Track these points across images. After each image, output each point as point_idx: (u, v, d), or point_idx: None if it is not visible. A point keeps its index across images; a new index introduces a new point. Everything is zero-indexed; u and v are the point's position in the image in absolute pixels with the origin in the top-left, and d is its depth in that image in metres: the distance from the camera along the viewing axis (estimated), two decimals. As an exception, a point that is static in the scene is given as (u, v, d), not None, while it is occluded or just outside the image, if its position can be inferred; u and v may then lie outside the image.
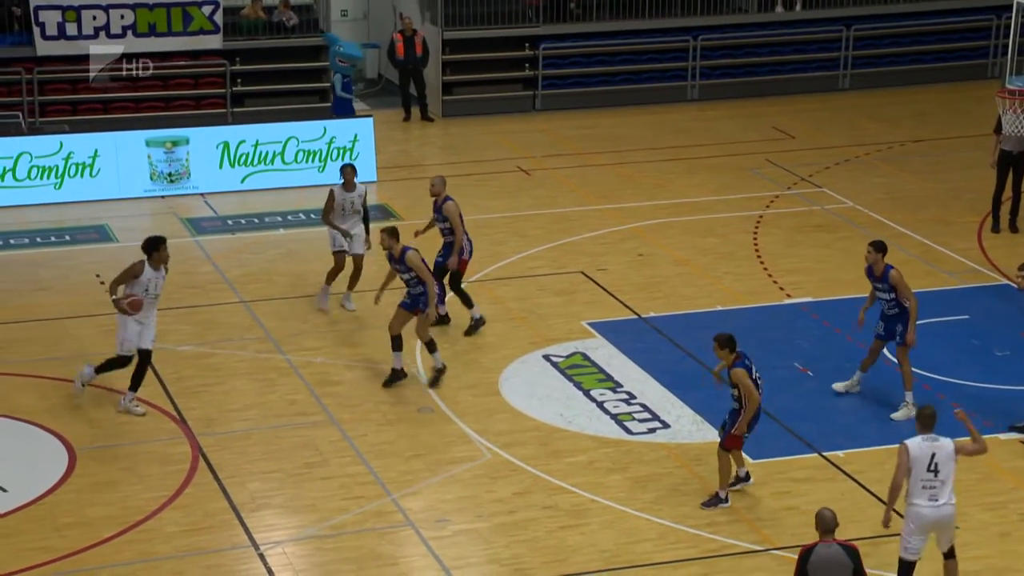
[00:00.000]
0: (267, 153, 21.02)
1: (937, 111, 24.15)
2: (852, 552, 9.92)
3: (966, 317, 16.37)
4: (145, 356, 14.21)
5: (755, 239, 18.91)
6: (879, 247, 14.29)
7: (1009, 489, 13.04)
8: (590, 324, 16.40)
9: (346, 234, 16.46)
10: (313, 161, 21.17)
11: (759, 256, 18.32)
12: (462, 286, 16.23)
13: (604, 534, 12.45)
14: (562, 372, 15.31)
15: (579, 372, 15.31)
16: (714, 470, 13.32)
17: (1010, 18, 18.32)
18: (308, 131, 21.20)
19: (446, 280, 16.11)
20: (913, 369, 14.55)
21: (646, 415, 14.41)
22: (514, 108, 24.30)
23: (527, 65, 24.65)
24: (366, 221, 16.74)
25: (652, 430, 14.14)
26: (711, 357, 15.55)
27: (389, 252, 14.87)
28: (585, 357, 15.64)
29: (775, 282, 17.52)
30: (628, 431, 14.13)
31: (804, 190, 20.67)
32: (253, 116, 22.47)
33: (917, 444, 11.01)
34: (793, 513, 12.63)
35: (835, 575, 9.87)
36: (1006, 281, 17.45)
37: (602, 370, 15.34)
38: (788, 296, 17.13)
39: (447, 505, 12.92)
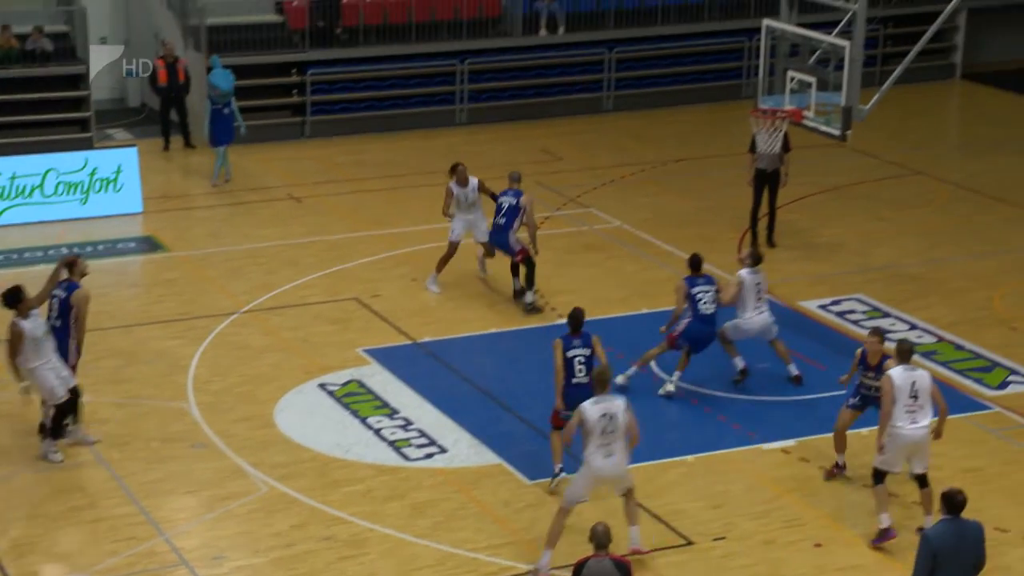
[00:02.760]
0: (25, 186, 20.31)
1: (697, 131, 24.92)
2: (623, 567, 10.12)
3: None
4: (75, 392, 13.89)
5: (526, 260, 19.14)
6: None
7: (772, 498, 13.51)
8: (365, 351, 16.35)
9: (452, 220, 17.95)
10: (74, 193, 20.55)
11: (531, 277, 18.55)
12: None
13: (383, 563, 12.41)
14: (338, 400, 15.22)
15: (355, 400, 15.24)
16: (491, 493, 13.45)
17: (760, 40, 19.03)
18: (68, 162, 20.58)
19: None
20: (683, 384, 15.15)
21: (423, 440, 14.43)
22: (283, 135, 24.08)
23: (295, 91, 24.47)
24: (494, 198, 17.76)
25: (430, 455, 14.16)
26: (487, 380, 15.71)
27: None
28: (361, 384, 15.57)
29: (547, 303, 17.77)
30: (406, 457, 14.12)
31: (573, 211, 21.05)
32: (9, 148, 21.67)
33: (899, 374, 12.34)
34: (570, 532, 12.79)
35: (607, 589, 10.04)
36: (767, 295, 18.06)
37: (378, 397, 15.30)
38: (560, 316, 17.38)
39: (223, 542, 12.68)
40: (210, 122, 21.77)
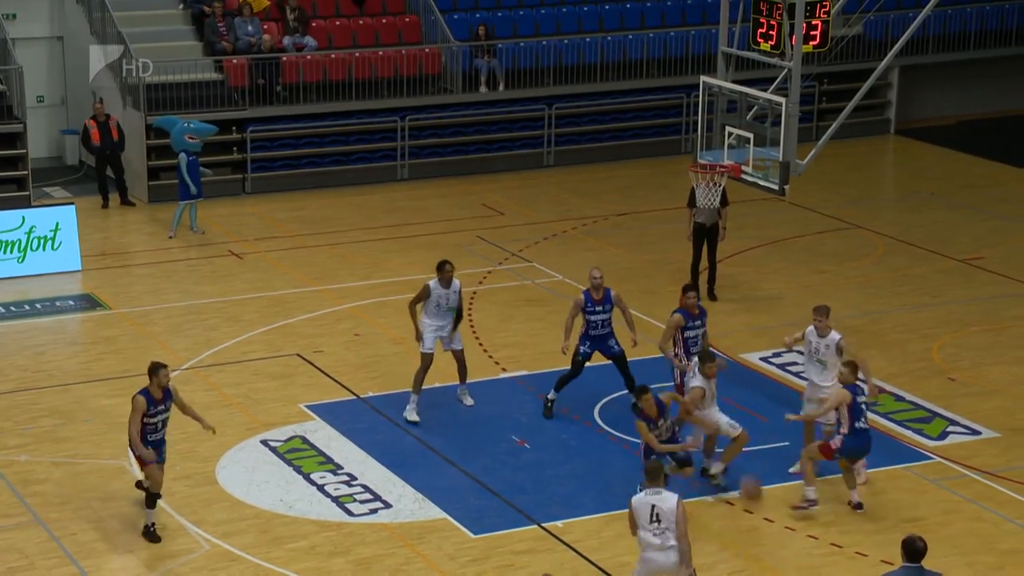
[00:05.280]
0: (-38, 245, 20.12)
1: (637, 186, 25.11)
2: None
3: (671, 384, 16.93)
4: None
5: (470, 315, 19.14)
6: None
7: (716, 550, 13.50)
8: (308, 407, 16.24)
9: (418, 335, 15.80)
10: (11, 252, 20.34)
11: (474, 331, 18.56)
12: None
13: (329, 620, 12.28)
14: (281, 457, 15.09)
15: (298, 456, 15.12)
16: (436, 548, 13.37)
17: (698, 96, 19.26)
18: (5, 221, 20.38)
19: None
20: (621, 435, 15.10)
21: (367, 496, 14.33)
22: (223, 192, 24.00)
23: (235, 148, 24.43)
24: (458, 316, 15.94)
25: (374, 511, 14.06)
26: (430, 434, 15.64)
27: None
28: (304, 440, 15.46)
29: (490, 357, 17.77)
30: (350, 513, 14.01)
31: (515, 265, 21.10)
32: (-55, 206, 21.46)
33: (640, 499, 11.75)
34: None
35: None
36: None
37: (322, 452, 15.19)
38: (504, 370, 17.39)
39: (165, 602, 12.51)
40: (189, 173, 21.74)
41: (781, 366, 17.56)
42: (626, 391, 15.99)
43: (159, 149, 23.67)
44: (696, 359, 14.51)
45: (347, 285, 20.18)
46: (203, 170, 22.28)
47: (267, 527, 13.72)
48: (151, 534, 13.32)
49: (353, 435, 15.54)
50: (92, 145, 23.18)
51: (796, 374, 17.32)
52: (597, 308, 15.86)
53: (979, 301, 19.86)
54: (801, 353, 17.81)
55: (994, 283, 20.56)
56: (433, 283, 15.79)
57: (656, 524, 11.60)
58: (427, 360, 15.83)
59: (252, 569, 13.00)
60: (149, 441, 13.28)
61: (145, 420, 13.19)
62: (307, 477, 14.66)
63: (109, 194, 23.42)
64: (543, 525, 13.82)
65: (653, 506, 11.62)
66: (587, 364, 16.13)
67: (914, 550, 10.36)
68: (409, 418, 15.84)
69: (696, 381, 14.30)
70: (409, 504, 14.19)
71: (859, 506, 14.04)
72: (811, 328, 14.88)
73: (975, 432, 15.92)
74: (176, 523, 13.72)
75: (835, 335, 14.69)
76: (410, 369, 17.24)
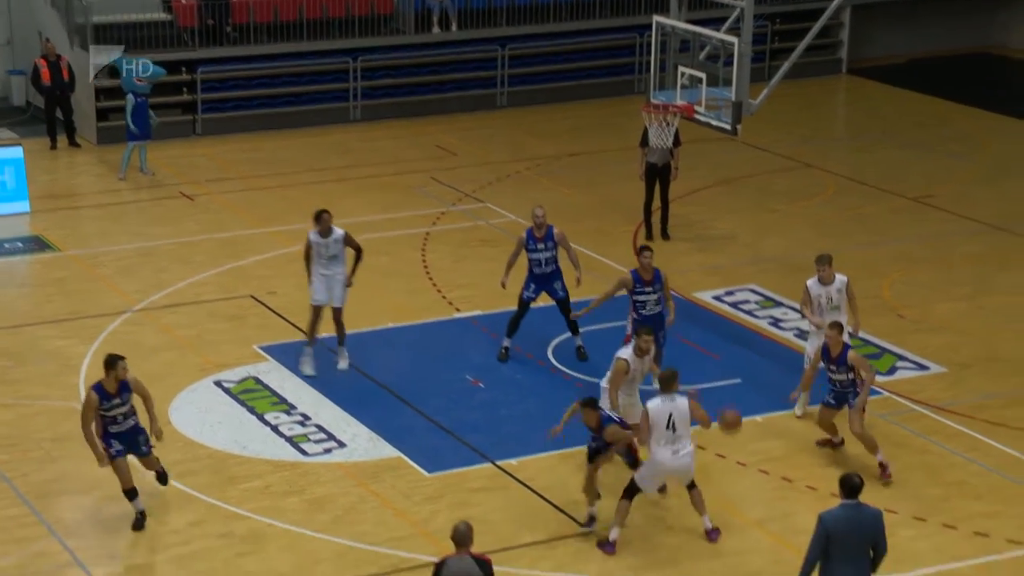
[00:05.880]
0: (-94, 188, 19.86)
1: (590, 126, 25.08)
2: (484, 565, 10.02)
3: (624, 323, 17.02)
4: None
5: (423, 255, 19.14)
6: None
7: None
8: (262, 348, 16.21)
9: (310, 280, 15.30)
10: (-41, 193, 20.14)
11: (428, 272, 18.56)
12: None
13: (282, 558, 12.32)
14: (234, 397, 15.07)
15: (252, 396, 15.11)
16: (390, 486, 13.41)
17: (651, 36, 19.22)
18: (-49, 162, 20.17)
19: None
20: (575, 374, 15.16)
21: (321, 436, 14.35)
22: (174, 133, 23.77)
23: (185, 89, 24.19)
24: (357, 257, 15.37)
25: (328, 450, 14.09)
26: (384, 374, 15.65)
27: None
28: (258, 381, 15.44)
29: (444, 297, 17.79)
30: (304, 453, 14.03)
31: (468, 206, 21.07)
32: None
33: (657, 405, 12.10)
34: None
35: (465, 587, 9.91)
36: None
37: (275, 393, 15.18)
38: (458, 310, 17.41)
39: (119, 541, 12.50)
40: (135, 115, 21.54)
41: (733, 304, 17.68)
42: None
43: (108, 90, 23.40)
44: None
45: (299, 227, 19.99)
46: (150, 112, 22.05)
47: (221, 467, 13.72)
48: (139, 523, 12.68)
49: (306, 375, 15.52)
50: (42, 85, 22.88)
51: (748, 312, 17.45)
52: (539, 246, 15.82)
53: (929, 239, 20.04)
54: (764, 295, 17.94)
55: (944, 221, 20.74)
56: (312, 234, 15.25)
57: (671, 432, 12.01)
58: (316, 311, 15.36)
59: (205, 508, 13.01)
60: (112, 434, 12.52)
61: (102, 414, 12.49)
62: (261, 417, 14.66)
63: (57, 135, 23.16)
64: (497, 463, 13.90)
65: (670, 414, 12.04)
66: (540, 304, 16.15)
67: (852, 487, 10.52)
68: (305, 371, 15.37)
69: (624, 353, 13.25)
70: (363, 443, 14.23)
71: (838, 443, 14.18)
72: (811, 282, 14.70)
73: (923, 367, 16.12)
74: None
75: (841, 276, 14.72)
76: (365, 309, 17.24)
